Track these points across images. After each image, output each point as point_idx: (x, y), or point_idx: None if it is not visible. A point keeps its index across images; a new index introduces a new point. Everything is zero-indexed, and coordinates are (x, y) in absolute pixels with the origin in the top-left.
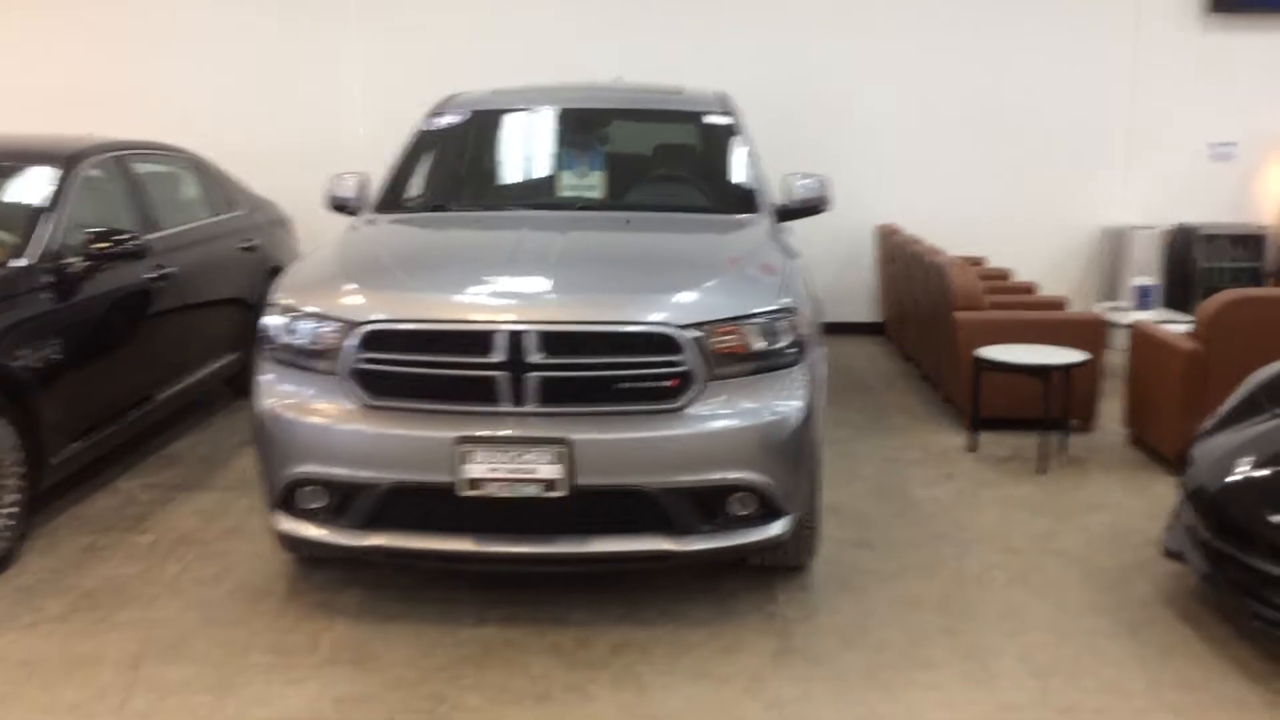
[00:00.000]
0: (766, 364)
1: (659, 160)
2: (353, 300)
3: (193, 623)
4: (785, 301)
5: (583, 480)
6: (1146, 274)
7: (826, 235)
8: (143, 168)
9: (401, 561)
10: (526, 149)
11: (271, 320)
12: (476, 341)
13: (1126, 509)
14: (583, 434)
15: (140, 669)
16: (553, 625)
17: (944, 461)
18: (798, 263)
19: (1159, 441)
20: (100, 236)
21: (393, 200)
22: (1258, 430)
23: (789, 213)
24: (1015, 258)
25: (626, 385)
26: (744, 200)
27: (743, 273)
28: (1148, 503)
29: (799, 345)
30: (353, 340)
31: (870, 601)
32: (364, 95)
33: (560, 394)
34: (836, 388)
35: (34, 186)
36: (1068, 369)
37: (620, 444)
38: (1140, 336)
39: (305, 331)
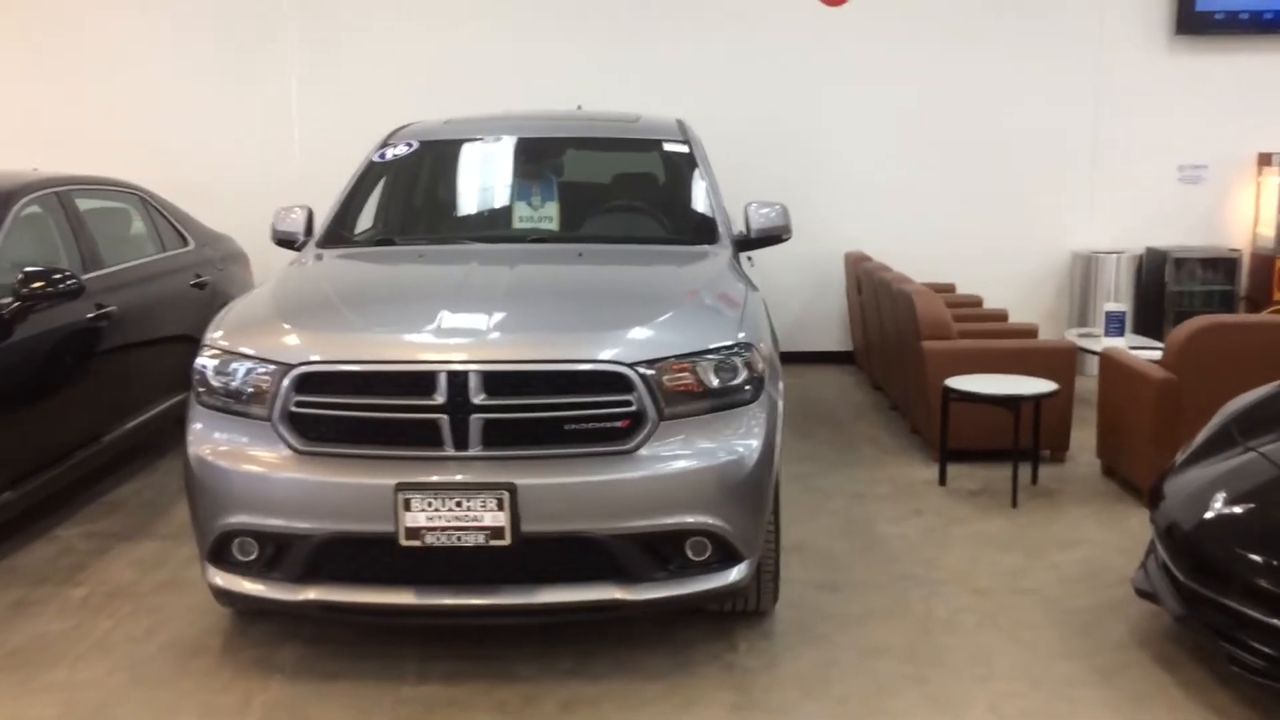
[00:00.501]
0: (722, 402)
1: (615, 190)
2: (285, 341)
3: (119, 685)
4: (742, 337)
5: (529, 527)
6: (1117, 299)
7: (795, 263)
8: (86, 204)
9: (340, 616)
10: (479, 180)
11: (203, 362)
12: (416, 383)
13: (1099, 544)
14: (528, 479)
15: None
16: (500, 680)
17: (913, 496)
18: (757, 295)
19: (1131, 473)
20: (33, 276)
21: (337, 235)
22: (1230, 465)
23: (749, 243)
24: (985, 284)
25: (575, 426)
26: (703, 230)
27: (699, 307)
28: (1120, 537)
29: (756, 382)
30: (286, 383)
31: (834, 649)
32: (306, 127)
33: (505, 437)
34: (804, 419)
35: None
36: (1038, 399)
37: (568, 489)
38: (1110, 364)
39: (237, 374)
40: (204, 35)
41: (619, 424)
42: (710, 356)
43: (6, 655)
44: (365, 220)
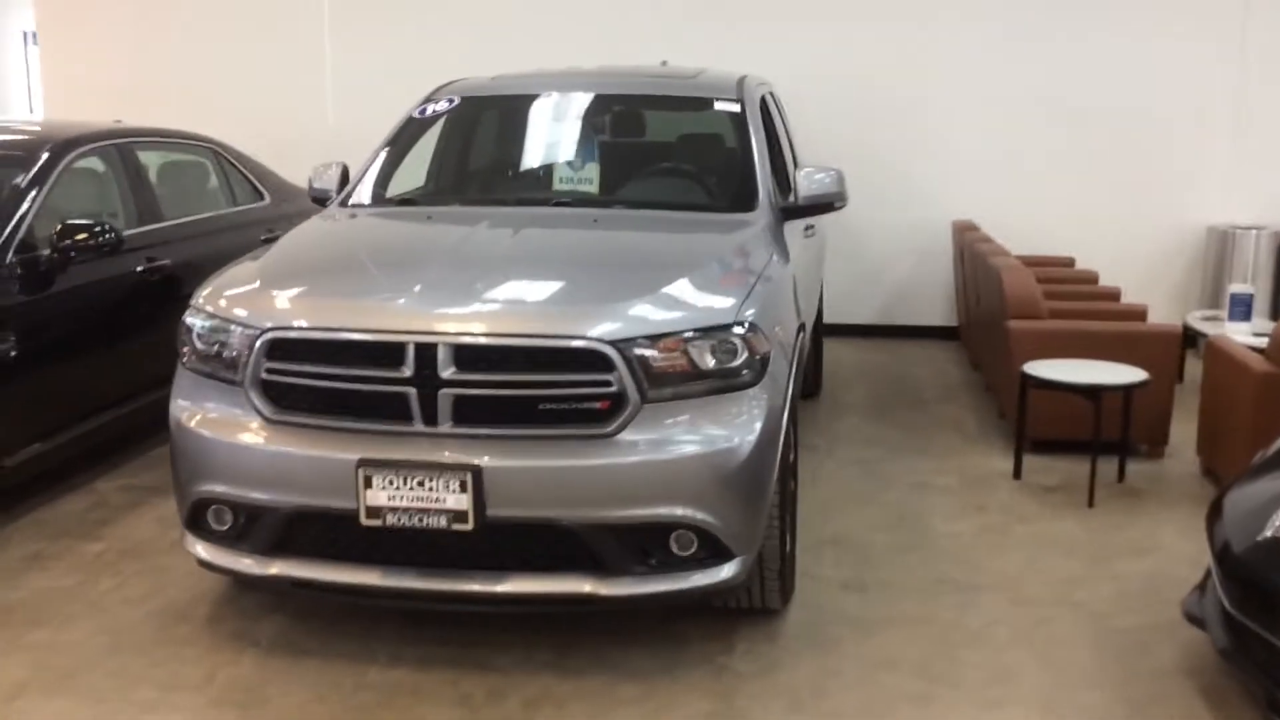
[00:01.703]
0: (718, 385)
1: (660, 151)
2: (260, 304)
3: (96, 649)
4: (744, 315)
5: (495, 512)
6: (1254, 280)
7: (900, 232)
8: (155, 156)
9: (308, 592)
10: (519, 140)
11: (187, 323)
12: (385, 354)
13: (1172, 554)
14: (496, 460)
15: (17, 700)
16: (471, 670)
17: (981, 489)
18: (786, 268)
19: (1230, 474)
20: (70, 229)
21: (363, 193)
22: None
23: (798, 210)
24: (1108, 260)
25: (550, 406)
26: (742, 197)
27: (701, 280)
28: (1199, 547)
29: (758, 364)
30: (257, 348)
31: (841, 658)
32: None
33: (476, 415)
34: (886, 398)
35: (16, 176)
36: (1127, 389)
37: (538, 472)
38: (1214, 353)
39: (216, 337)
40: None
41: (598, 405)
42: (706, 335)
43: (1, 611)
44: (405, 178)
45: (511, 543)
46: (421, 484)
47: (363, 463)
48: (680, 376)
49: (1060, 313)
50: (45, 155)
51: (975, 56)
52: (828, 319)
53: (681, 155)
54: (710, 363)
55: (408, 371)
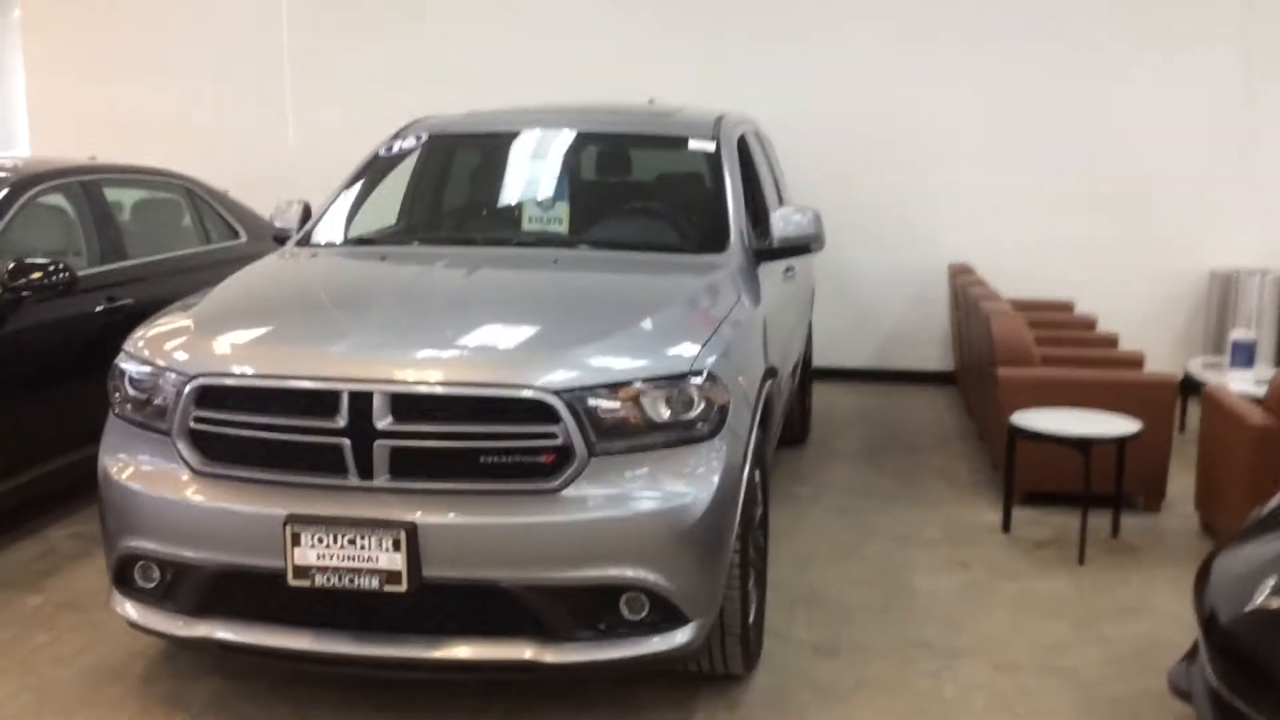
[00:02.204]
0: (673, 437)
1: (632, 191)
2: (189, 349)
3: (19, 709)
4: (702, 363)
5: (432, 573)
6: (1258, 325)
7: (896, 274)
8: (121, 193)
9: (238, 655)
10: (485, 178)
11: (119, 368)
12: (317, 402)
13: (1166, 616)
14: (433, 518)
15: None
16: None
17: (967, 543)
18: (754, 313)
19: (1228, 530)
20: (23, 268)
21: (321, 232)
22: None
23: (772, 253)
24: (1111, 305)
25: (492, 460)
26: (713, 238)
27: (657, 326)
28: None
29: (717, 415)
30: (185, 396)
31: None
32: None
33: (415, 468)
34: (878, 445)
35: None
36: (1120, 442)
37: (477, 531)
38: (1211, 403)
39: (146, 383)
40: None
41: (542, 459)
42: (660, 384)
43: None
44: (378, 216)
45: (450, 605)
46: (352, 542)
47: (290, 519)
48: (632, 428)
49: (1053, 359)
50: (3, 192)
51: (973, 95)
52: (821, 363)
53: (654, 195)
54: (665, 414)
55: (341, 422)
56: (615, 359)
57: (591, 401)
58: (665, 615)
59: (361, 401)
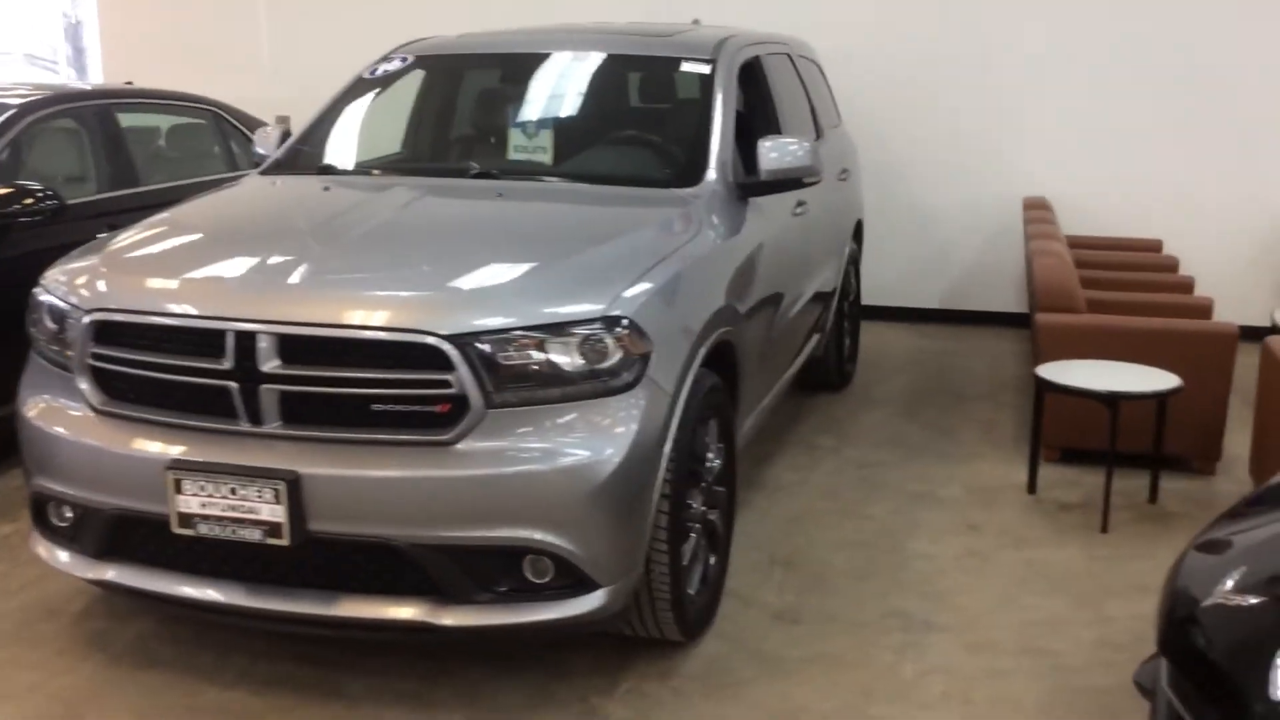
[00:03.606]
0: (583, 389)
1: (620, 117)
2: (91, 283)
3: None
4: (619, 308)
5: (317, 526)
6: None
7: (970, 209)
8: (145, 119)
9: (141, 600)
10: (474, 104)
11: (35, 300)
12: (205, 342)
13: None
14: (318, 468)
15: None
16: (318, 698)
17: (984, 504)
18: (718, 249)
19: None
20: (12, 195)
21: (291, 158)
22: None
23: (758, 187)
24: (1201, 247)
25: (384, 408)
26: (690, 170)
27: (578, 266)
28: None
29: (635, 366)
30: (84, 332)
31: (736, 706)
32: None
33: (306, 415)
34: (922, 393)
35: None
36: (1160, 397)
37: (364, 484)
38: (1268, 358)
39: (55, 318)
40: None
41: (436, 409)
42: (568, 331)
43: None
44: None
45: (340, 562)
46: (234, 491)
47: (173, 465)
48: (537, 378)
49: (1106, 305)
50: (3, 117)
51: (1057, 12)
52: (885, 302)
53: (643, 122)
54: (574, 363)
55: (228, 363)
56: (521, 303)
57: (490, 348)
58: (572, 580)
59: (247, 342)
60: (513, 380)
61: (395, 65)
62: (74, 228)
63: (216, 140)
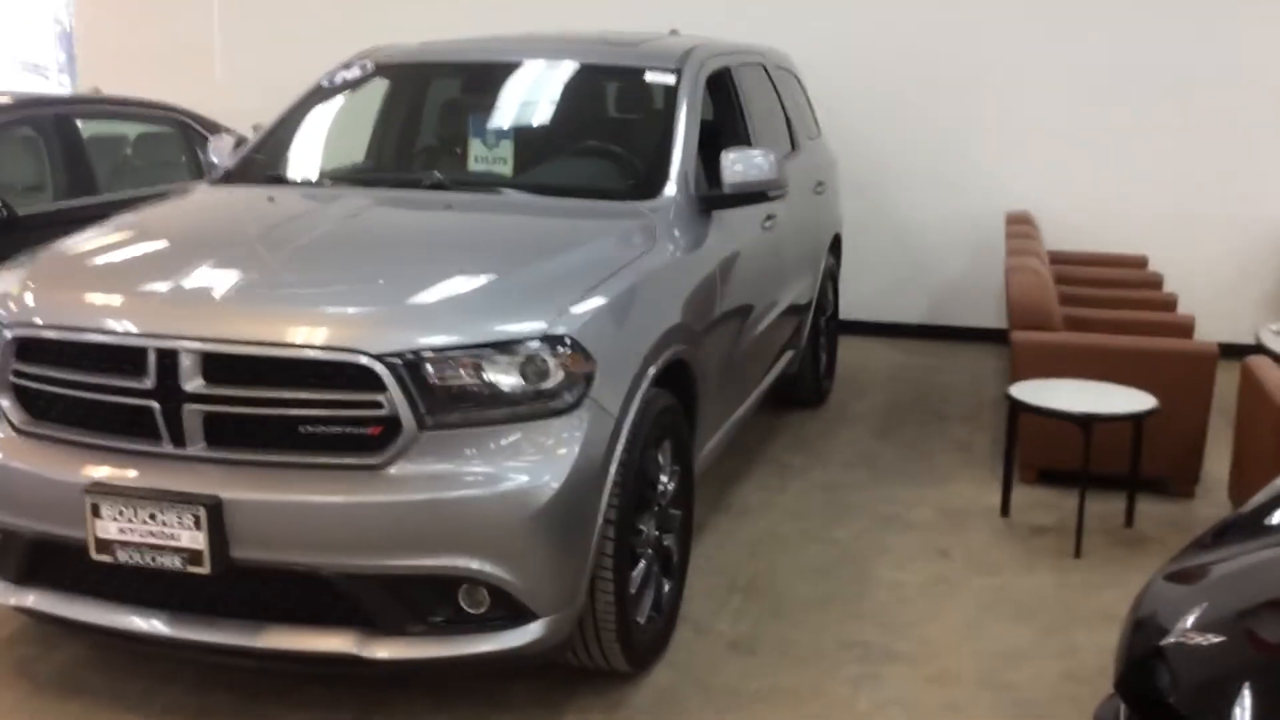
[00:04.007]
0: (521, 411)
1: (583, 128)
2: (14, 297)
3: None
4: (560, 327)
5: (241, 554)
6: None
7: (952, 223)
8: (105, 128)
9: (65, 627)
10: (434, 113)
11: None
12: (129, 360)
13: None
14: (241, 493)
15: None
16: None
17: (955, 528)
18: (671, 267)
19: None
20: None
21: (242, 168)
22: (1255, 559)
23: (722, 200)
24: (1186, 263)
25: (312, 430)
26: (649, 183)
27: (519, 283)
28: None
29: (577, 387)
30: (6, 348)
31: None
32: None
33: (228, 437)
34: (900, 411)
35: None
36: (1134, 419)
37: (288, 509)
38: (1247, 378)
39: None
40: None
41: (367, 431)
42: (505, 350)
43: None
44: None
45: (267, 591)
46: (153, 516)
47: (91, 488)
48: (473, 399)
49: (1084, 323)
50: None
51: (1043, 29)
52: (866, 317)
53: (606, 133)
54: (512, 384)
55: (149, 383)
56: (457, 320)
57: (423, 368)
58: (510, 611)
59: (169, 360)
60: (447, 401)
61: (354, 73)
62: (26, 239)
63: (183, 149)
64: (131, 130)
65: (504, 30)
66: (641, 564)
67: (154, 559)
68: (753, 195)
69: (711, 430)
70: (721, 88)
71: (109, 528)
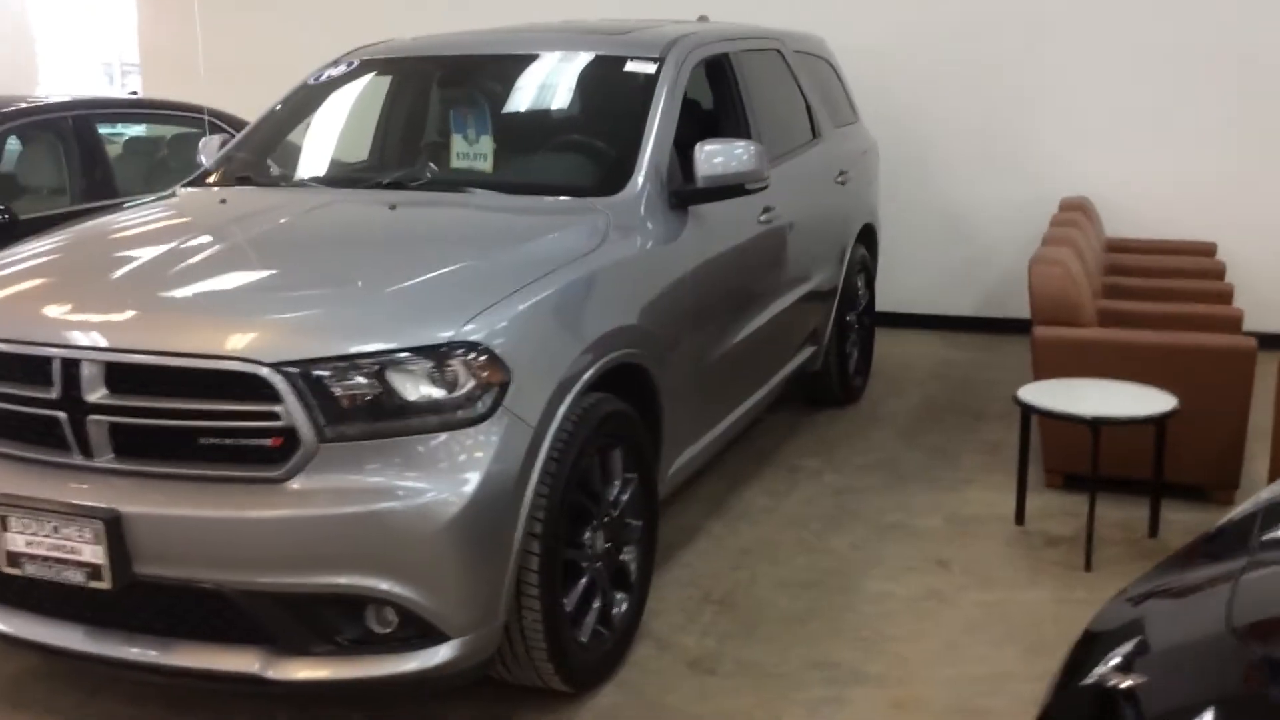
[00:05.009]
0: (429, 422)
1: (562, 121)
2: None
3: None
4: (471, 333)
5: (145, 569)
6: None
7: (1006, 210)
8: (140, 130)
9: None
10: (420, 109)
11: None
12: (37, 369)
13: None
14: (142, 507)
15: None
16: None
17: (963, 537)
18: (619, 266)
19: None
20: None
21: (217, 169)
22: (1205, 585)
23: (697, 195)
24: (1263, 250)
25: (214, 442)
26: (614, 177)
27: (435, 286)
28: None
29: (490, 396)
30: None
31: None
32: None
33: (133, 448)
34: (933, 411)
35: None
36: (1150, 421)
37: (188, 524)
38: None
39: None
40: None
41: (268, 443)
42: (412, 358)
43: None
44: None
45: (173, 607)
46: (56, 530)
47: (1, 500)
48: (376, 410)
49: (1122, 317)
50: None
51: (1105, 3)
52: (916, 309)
53: (578, 125)
54: (419, 394)
55: (55, 392)
56: (361, 327)
57: (323, 377)
58: (419, 630)
59: (74, 369)
60: (349, 412)
61: (340, 70)
62: None
63: None
64: (168, 133)
65: (523, 18)
66: (584, 580)
67: (59, 573)
68: (730, 189)
69: (689, 436)
70: (719, 76)
71: (17, 540)
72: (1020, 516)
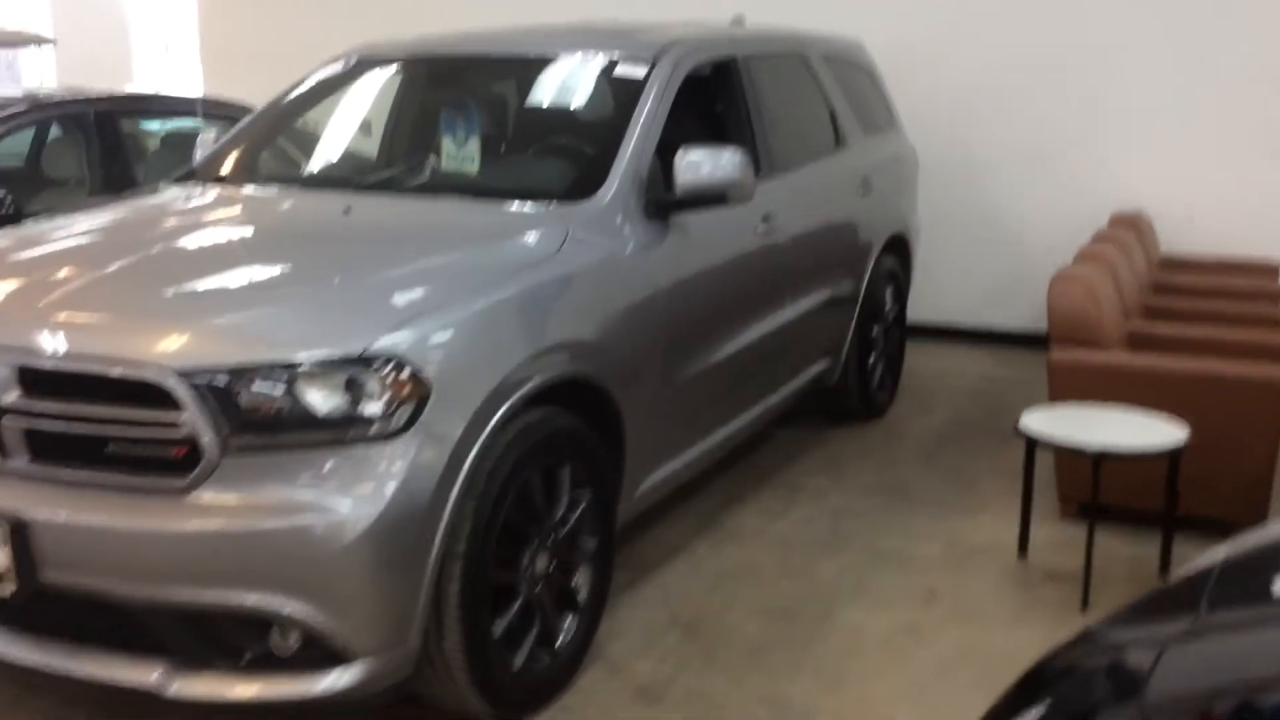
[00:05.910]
0: (339, 436)
1: (549, 124)
2: None
3: None
4: (385, 344)
5: (50, 576)
6: None
7: (1056, 222)
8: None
9: None
10: (412, 110)
11: None
12: None
13: None
14: (44, 513)
15: None
16: None
17: (960, 568)
18: (566, 280)
19: None
20: None
21: (202, 167)
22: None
23: (676, 204)
24: None
25: (119, 450)
26: (585, 183)
27: (348, 295)
28: None
29: (405, 410)
30: None
31: None
32: None
33: (47, 453)
34: (963, 428)
35: None
36: (1158, 455)
37: (90, 533)
38: None
39: None
40: None
41: (171, 453)
42: (321, 368)
43: None
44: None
45: (80, 615)
46: None
47: None
48: (282, 422)
49: (1154, 341)
50: None
51: (1167, 6)
52: (963, 323)
53: (562, 129)
54: (329, 406)
55: None
56: (270, 335)
57: (226, 386)
58: (324, 652)
59: None
60: (255, 424)
61: (337, 68)
62: None
63: None
64: (182, 127)
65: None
66: (519, 601)
67: None
68: (710, 197)
69: (661, 454)
70: (723, 82)
71: None
72: (1024, 548)
